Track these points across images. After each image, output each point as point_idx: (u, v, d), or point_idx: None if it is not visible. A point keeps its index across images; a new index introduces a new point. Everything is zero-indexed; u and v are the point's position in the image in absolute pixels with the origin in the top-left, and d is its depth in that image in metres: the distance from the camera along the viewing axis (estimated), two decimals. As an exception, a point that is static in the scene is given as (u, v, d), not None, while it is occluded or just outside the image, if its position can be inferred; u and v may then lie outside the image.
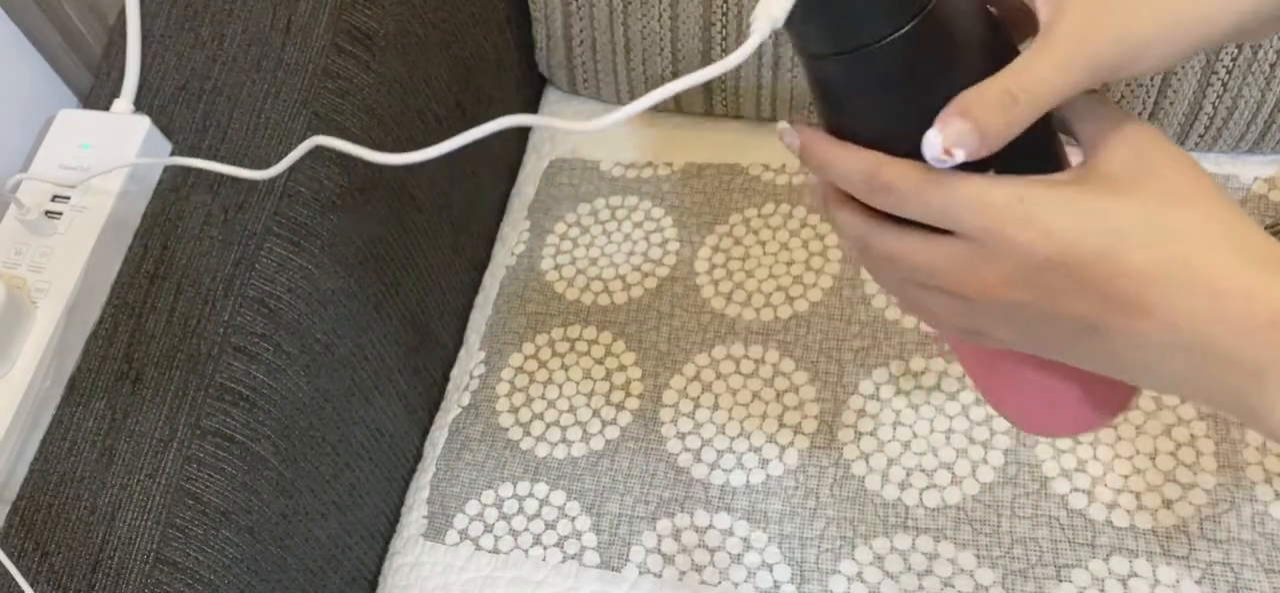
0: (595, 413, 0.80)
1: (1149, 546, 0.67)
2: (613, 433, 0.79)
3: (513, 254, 0.91)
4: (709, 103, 0.91)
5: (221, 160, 0.72)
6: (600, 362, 0.82)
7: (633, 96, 0.93)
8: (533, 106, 1.00)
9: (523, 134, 0.99)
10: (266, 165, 0.71)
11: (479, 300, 0.92)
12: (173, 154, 0.72)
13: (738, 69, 0.87)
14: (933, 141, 0.35)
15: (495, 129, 0.41)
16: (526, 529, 0.77)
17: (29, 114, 0.75)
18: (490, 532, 0.78)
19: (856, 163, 0.37)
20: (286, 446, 0.69)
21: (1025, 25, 0.39)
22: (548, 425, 0.81)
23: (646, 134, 0.94)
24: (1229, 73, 0.75)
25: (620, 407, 0.80)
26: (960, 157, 0.35)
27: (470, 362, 0.88)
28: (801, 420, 0.76)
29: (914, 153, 0.36)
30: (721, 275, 0.83)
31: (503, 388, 0.83)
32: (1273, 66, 0.74)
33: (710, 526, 0.74)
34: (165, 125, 0.73)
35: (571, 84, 0.96)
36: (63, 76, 0.78)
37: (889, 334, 0.77)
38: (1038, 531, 0.69)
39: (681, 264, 0.85)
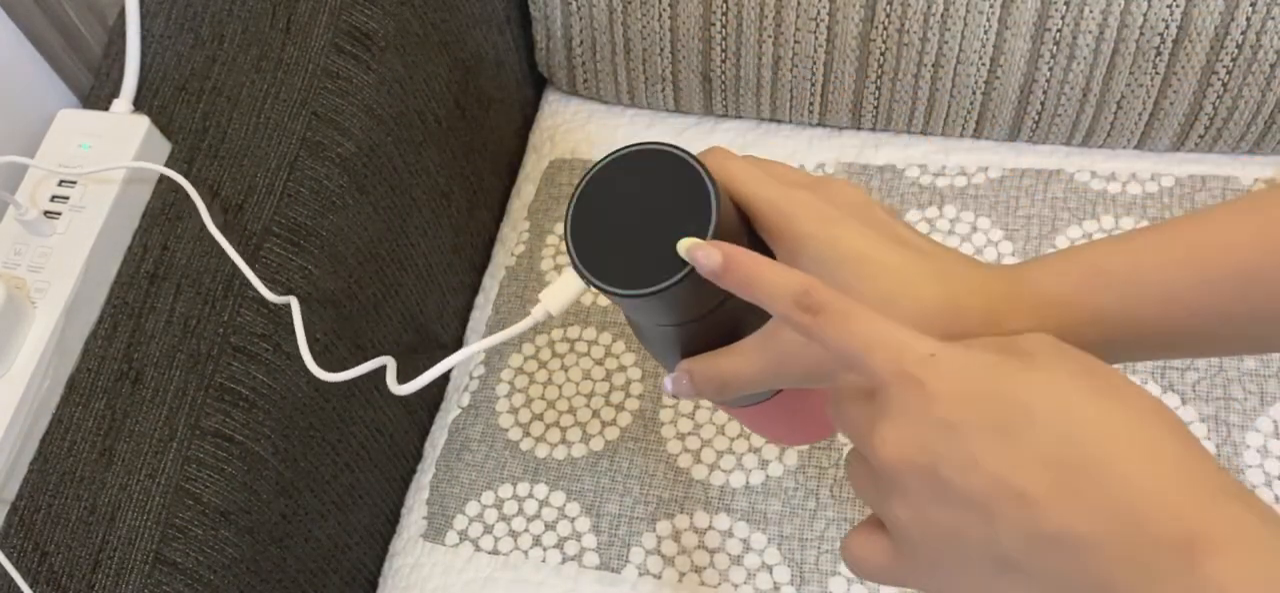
0: (595, 414, 0.80)
1: (1149, 547, 0.67)
2: (612, 434, 0.79)
3: (512, 255, 0.91)
4: (708, 103, 0.91)
5: (221, 159, 0.72)
6: (600, 362, 0.82)
7: (632, 97, 0.93)
8: (533, 107, 1.00)
9: (522, 134, 0.99)
10: (267, 163, 0.71)
11: (479, 301, 0.92)
12: (172, 154, 0.72)
13: (737, 68, 0.87)
14: (666, 384, 0.44)
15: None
16: (526, 530, 0.77)
17: (28, 114, 0.75)
18: (490, 533, 0.78)
19: (791, 279, 0.36)
20: (286, 446, 0.69)
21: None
22: (547, 426, 0.80)
23: (646, 135, 0.94)
24: (1229, 73, 0.75)
25: (620, 407, 0.80)
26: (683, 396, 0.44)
27: (470, 362, 0.88)
28: (801, 421, 0.76)
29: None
30: (721, 276, 0.83)
31: (502, 389, 0.83)
32: (1273, 67, 0.74)
33: (710, 527, 0.74)
34: (165, 125, 0.73)
35: (571, 84, 0.96)
36: (62, 76, 0.78)
37: (889, 335, 0.77)
38: (1038, 532, 0.69)
39: (681, 265, 0.85)
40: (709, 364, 0.43)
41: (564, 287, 0.46)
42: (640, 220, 0.39)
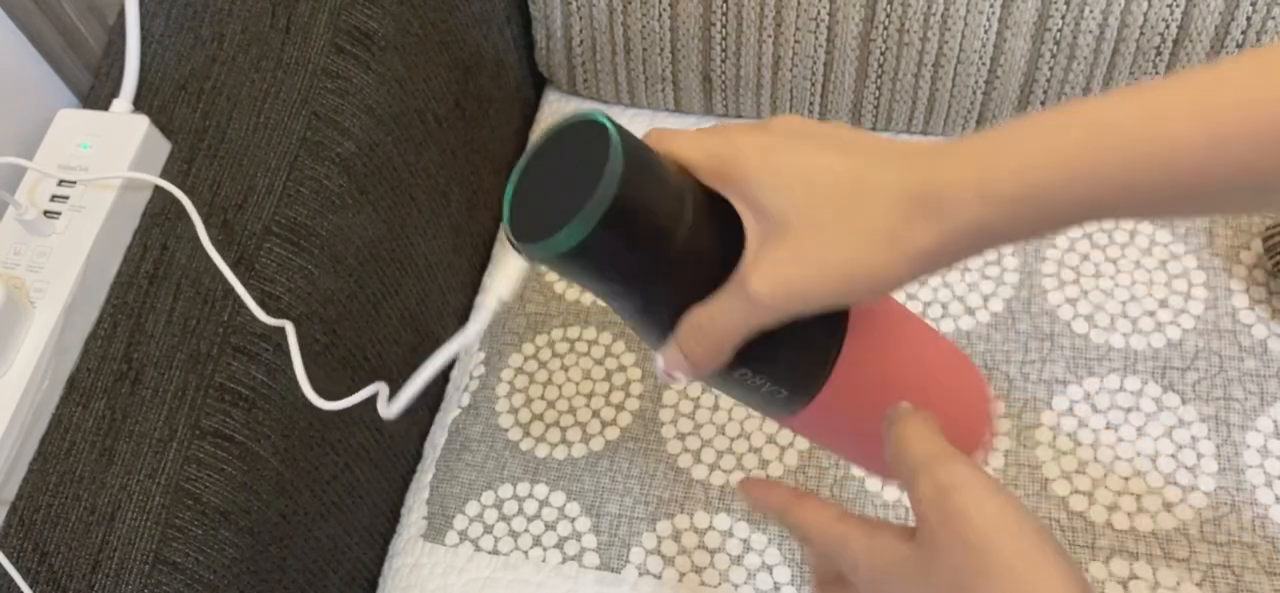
0: (595, 414, 0.80)
1: (1149, 548, 0.67)
2: (612, 434, 0.79)
3: (512, 254, 0.91)
4: (708, 102, 0.91)
5: (221, 159, 0.72)
6: (600, 362, 0.82)
7: (632, 97, 0.93)
8: (532, 107, 1.00)
9: (522, 134, 0.99)
10: (266, 163, 0.71)
11: (479, 301, 0.92)
12: (172, 154, 0.72)
13: (737, 68, 0.87)
14: (656, 369, 0.43)
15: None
16: (526, 530, 0.77)
17: (28, 114, 0.75)
18: (490, 533, 0.78)
19: (833, 529, 0.42)
20: (286, 446, 0.69)
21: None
22: (547, 426, 0.80)
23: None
24: (1230, 74, 0.75)
25: (620, 407, 0.80)
26: (682, 381, 0.42)
27: (470, 362, 0.88)
28: (802, 421, 0.76)
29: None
30: (721, 276, 0.83)
31: (502, 389, 0.83)
32: (1274, 68, 0.74)
33: (710, 527, 0.74)
34: (164, 125, 0.73)
35: (571, 84, 0.96)
36: (62, 76, 0.78)
37: (889, 335, 0.77)
38: (1038, 532, 0.69)
39: (681, 265, 0.85)
40: (688, 323, 0.40)
41: (507, 267, 0.46)
42: (559, 183, 0.41)
